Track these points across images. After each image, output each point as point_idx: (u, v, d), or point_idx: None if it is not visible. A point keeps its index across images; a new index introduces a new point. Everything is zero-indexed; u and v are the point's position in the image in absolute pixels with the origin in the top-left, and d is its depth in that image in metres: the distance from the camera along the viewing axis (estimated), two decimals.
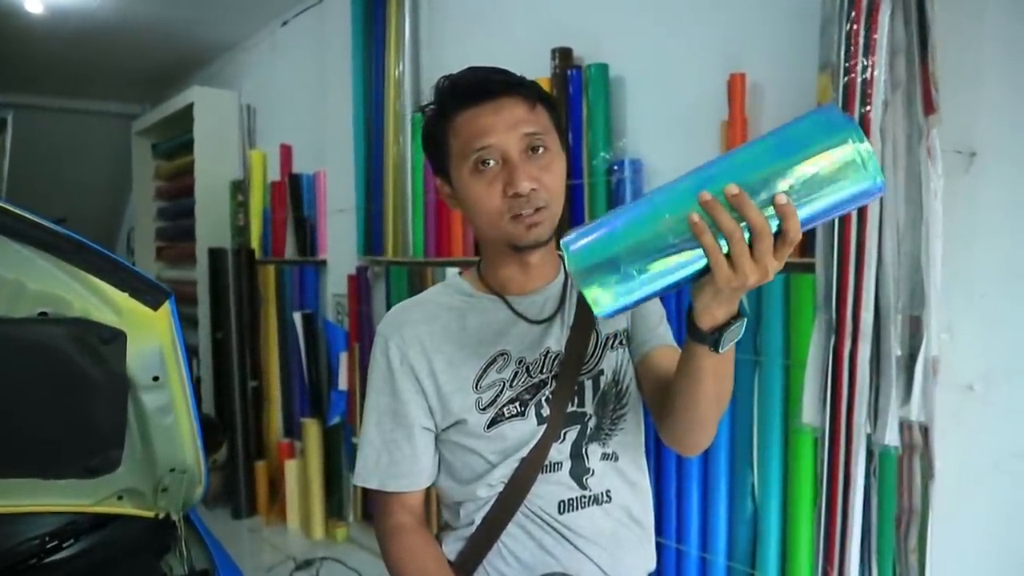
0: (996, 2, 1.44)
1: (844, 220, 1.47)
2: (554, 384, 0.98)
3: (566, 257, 0.71)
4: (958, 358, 1.50)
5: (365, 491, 2.90)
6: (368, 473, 1.00)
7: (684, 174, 0.70)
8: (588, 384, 1.00)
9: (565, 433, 0.98)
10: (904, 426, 1.47)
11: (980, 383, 1.48)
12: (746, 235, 0.65)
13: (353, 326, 3.20)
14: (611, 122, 2.17)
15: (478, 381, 0.97)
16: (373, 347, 1.02)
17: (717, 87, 1.89)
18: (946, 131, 1.43)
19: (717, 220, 0.65)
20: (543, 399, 0.97)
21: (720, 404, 0.89)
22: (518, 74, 0.97)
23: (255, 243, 3.98)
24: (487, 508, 0.98)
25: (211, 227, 4.31)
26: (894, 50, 1.42)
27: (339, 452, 3.39)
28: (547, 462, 0.96)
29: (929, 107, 1.40)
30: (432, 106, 0.99)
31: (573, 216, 2.20)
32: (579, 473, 0.98)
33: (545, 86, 1.57)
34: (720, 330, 0.75)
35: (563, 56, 2.27)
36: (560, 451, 0.97)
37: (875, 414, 1.48)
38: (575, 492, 0.98)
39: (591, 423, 0.99)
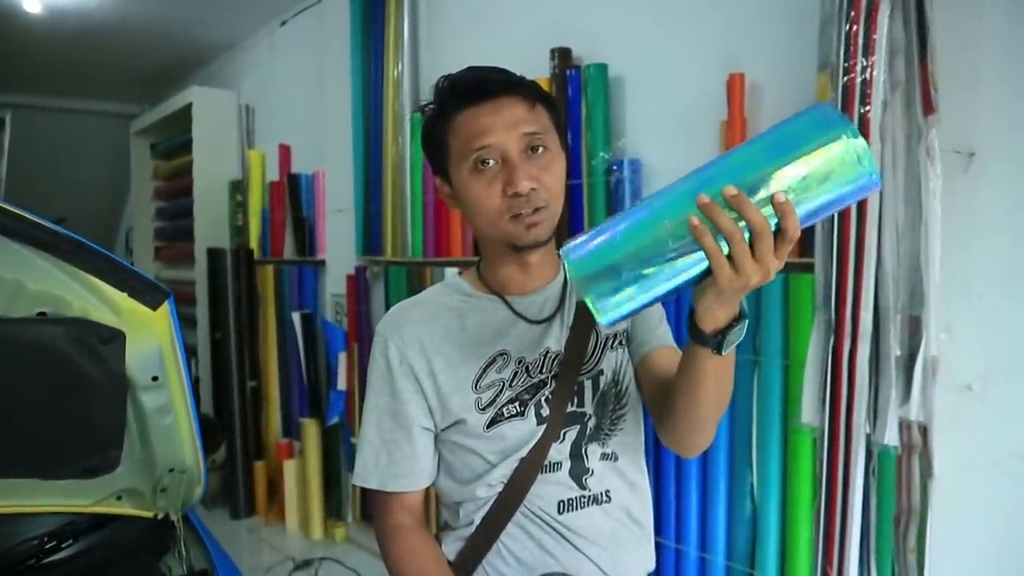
0: (995, 2, 1.45)
1: (843, 220, 1.47)
2: (554, 384, 0.98)
3: (567, 266, 0.71)
4: (957, 358, 1.50)
5: (364, 491, 2.90)
6: (368, 473, 1.00)
7: (681, 177, 0.70)
8: (588, 384, 1.00)
9: (565, 433, 0.98)
10: (903, 426, 1.47)
11: (979, 383, 1.48)
12: (746, 235, 0.65)
13: (352, 326, 3.20)
14: (610, 122, 2.17)
15: (477, 381, 0.97)
16: (372, 347, 1.02)
17: (716, 87, 1.89)
18: (945, 131, 1.43)
19: (717, 222, 0.65)
20: (543, 399, 0.97)
21: (720, 406, 0.89)
22: (517, 74, 0.97)
23: (254, 243, 3.98)
24: (487, 508, 0.98)
25: (210, 227, 4.30)
26: (893, 50, 1.43)
27: (338, 452, 3.39)
28: (547, 462, 0.96)
29: (928, 107, 1.41)
30: (431, 106, 0.99)
31: (572, 216, 2.20)
32: (578, 473, 0.98)
33: (544, 86, 1.57)
34: (722, 332, 0.76)
35: (562, 56, 2.27)
36: (560, 451, 0.97)
37: (874, 414, 1.48)
38: (574, 492, 0.98)
39: (591, 423, 0.99)
